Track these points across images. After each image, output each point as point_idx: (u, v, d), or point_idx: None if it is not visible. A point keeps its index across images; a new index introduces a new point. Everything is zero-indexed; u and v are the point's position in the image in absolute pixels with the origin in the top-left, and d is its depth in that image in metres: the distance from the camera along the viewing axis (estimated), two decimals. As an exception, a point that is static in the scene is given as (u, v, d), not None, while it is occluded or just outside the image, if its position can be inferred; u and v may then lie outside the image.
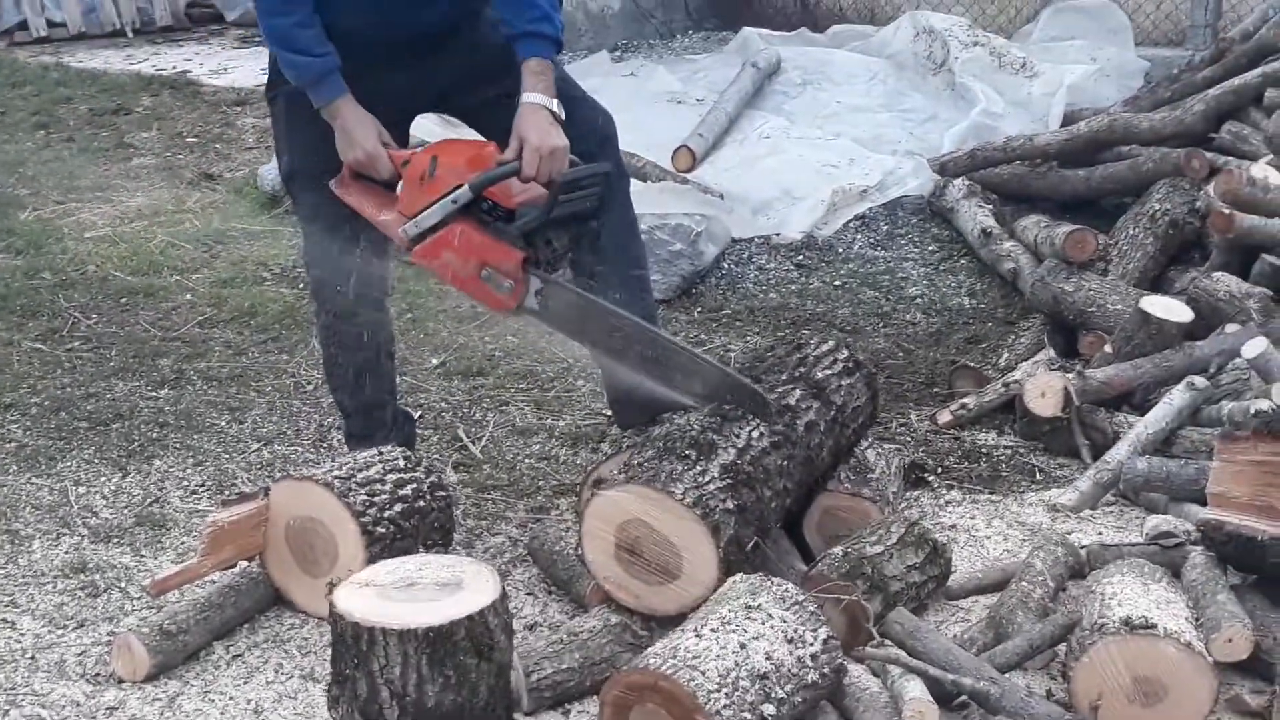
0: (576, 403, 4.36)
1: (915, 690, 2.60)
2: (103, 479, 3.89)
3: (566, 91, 3.34)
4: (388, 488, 3.15)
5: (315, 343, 4.12)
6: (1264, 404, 3.37)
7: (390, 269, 3.62)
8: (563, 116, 3.23)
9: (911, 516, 3.23)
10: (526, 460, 4.00)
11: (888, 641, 2.78)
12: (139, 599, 3.26)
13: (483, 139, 3.53)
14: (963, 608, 3.18)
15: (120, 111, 8.01)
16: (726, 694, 2.39)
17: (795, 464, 3.09)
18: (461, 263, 3.18)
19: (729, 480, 2.88)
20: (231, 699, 2.88)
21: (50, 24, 10.06)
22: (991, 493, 3.76)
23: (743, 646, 2.50)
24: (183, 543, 3.53)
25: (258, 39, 9.60)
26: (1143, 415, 3.76)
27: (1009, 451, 3.99)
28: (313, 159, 3.41)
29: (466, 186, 3.15)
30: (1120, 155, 5.37)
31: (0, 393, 4.41)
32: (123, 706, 2.85)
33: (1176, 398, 3.71)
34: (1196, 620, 2.77)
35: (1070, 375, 3.94)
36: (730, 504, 2.86)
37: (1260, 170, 4.53)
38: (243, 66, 8.95)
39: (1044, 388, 3.89)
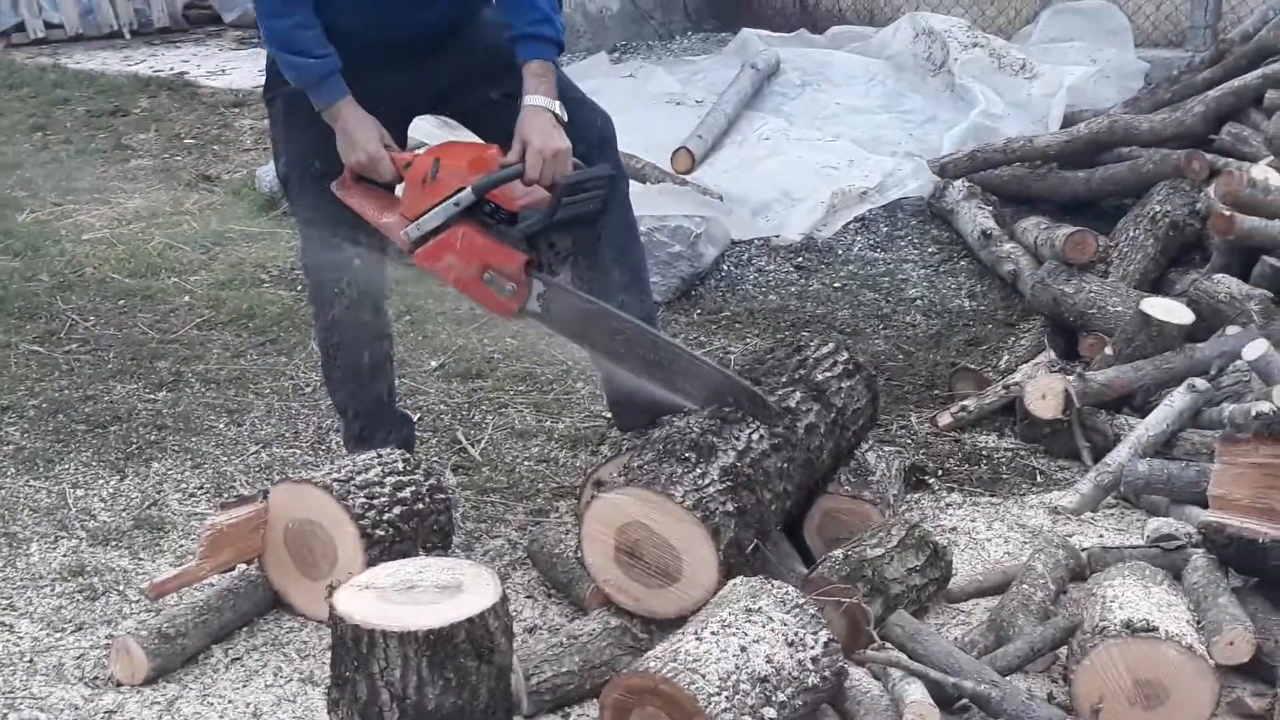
0: (576, 405, 4.35)
1: (916, 693, 2.60)
2: (101, 482, 3.88)
3: (565, 93, 3.34)
4: (387, 490, 3.15)
5: (314, 345, 4.11)
6: (1265, 406, 3.37)
7: (388, 271, 3.62)
8: (565, 119, 3.23)
9: (912, 519, 3.22)
10: (526, 463, 3.99)
11: (888, 644, 2.78)
12: (137, 602, 3.25)
13: (482, 141, 3.54)
14: (963, 610, 3.18)
15: (118, 113, 8.01)
16: (727, 697, 2.39)
17: (795, 466, 3.08)
18: (464, 265, 3.18)
19: (729, 483, 2.87)
20: (230, 702, 2.87)
21: (48, 25, 10.07)
22: (992, 495, 3.76)
23: (743, 649, 2.49)
24: (181, 546, 3.52)
25: (255, 40, 9.61)
26: (1143, 417, 3.76)
27: (1009, 454, 3.98)
28: (311, 161, 3.40)
29: (469, 189, 3.14)
30: (1120, 157, 5.37)
31: (-2, 395, 4.42)
32: (121, 710, 2.84)
33: (1177, 400, 3.70)
34: (1198, 623, 2.76)
35: (1071, 377, 3.93)
36: (730, 506, 2.85)
37: (1261, 172, 4.53)
38: (240, 68, 8.95)
39: (1044, 390, 3.89)
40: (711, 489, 2.85)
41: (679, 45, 8.68)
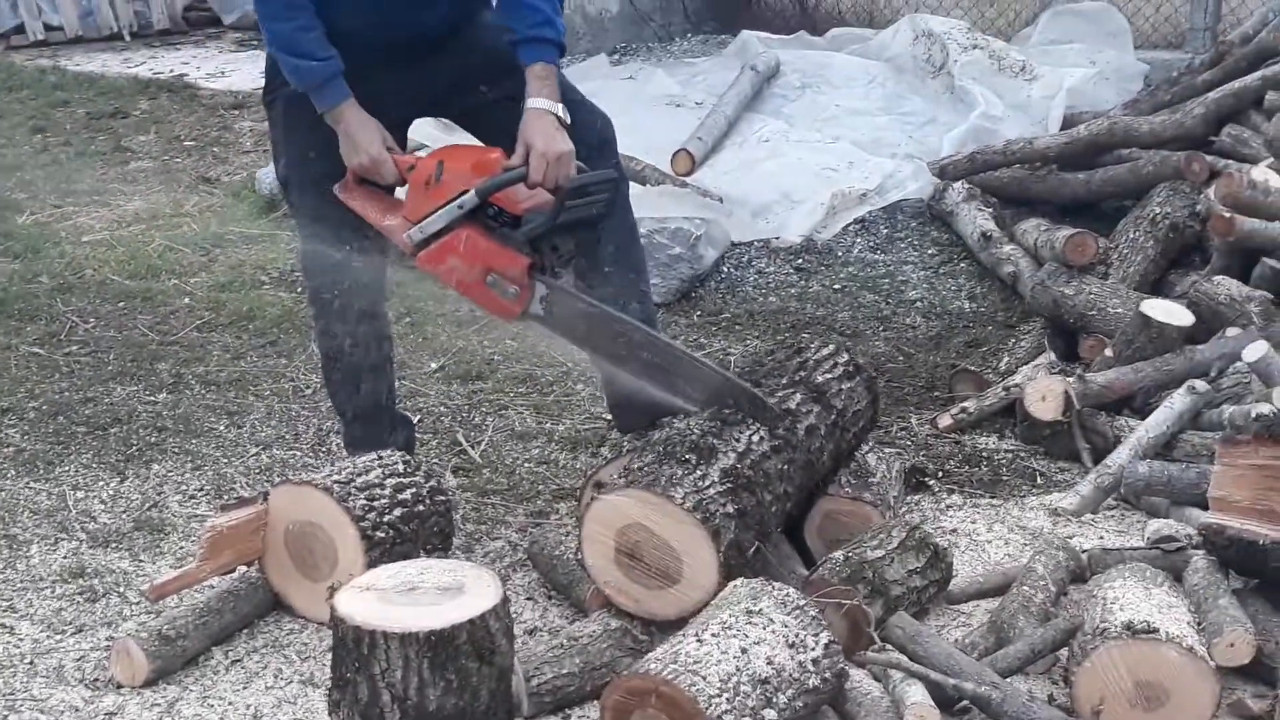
0: (576, 407, 4.35)
1: (917, 695, 2.60)
2: (101, 483, 3.88)
3: (564, 95, 3.33)
4: (387, 492, 3.15)
5: (314, 347, 4.11)
6: (1265, 408, 3.37)
7: (388, 273, 3.62)
8: (568, 121, 3.23)
9: (912, 521, 3.22)
10: (526, 464, 3.99)
11: (889, 646, 2.78)
12: (138, 604, 3.25)
13: (481, 143, 3.54)
14: (964, 612, 3.18)
15: (118, 115, 8.01)
16: (728, 699, 2.39)
17: (796, 468, 3.08)
18: (467, 268, 3.18)
19: (729, 484, 2.87)
20: (230, 704, 2.87)
21: (47, 27, 10.06)
22: (992, 497, 3.76)
23: (744, 651, 2.49)
24: (181, 547, 3.52)
25: (255, 42, 9.62)
26: (1143, 419, 3.76)
27: (1010, 455, 3.99)
28: (310, 163, 3.40)
29: (473, 192, 3.14)
30: (1120, 158, 5.37)
31: (-2, 397, 4.42)
32: (121, 712, 2.84)
33: (1177, 401, 3.70)
34: (1198, 625, 2.76)
35: (1071, 379, 3.93)
36: (730, 508, 2.85)
37: (1261, 173, 4.53)
38: (240, 70, 8.95)
39: (1045, 391, 3.89)
40: (712, 491, 2.84)
41: (679, 47, 8.68)
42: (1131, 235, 4.69)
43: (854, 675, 2.70)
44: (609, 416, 4.06)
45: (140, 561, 3.46)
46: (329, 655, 2.47)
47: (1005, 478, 3.87)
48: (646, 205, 5.21)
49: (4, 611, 3.24)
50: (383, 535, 3.07)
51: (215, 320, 5.06)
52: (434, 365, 4.69)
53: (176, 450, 4.08)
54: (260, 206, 6.28)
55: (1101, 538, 3.47)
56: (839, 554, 3.01)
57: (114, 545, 3.54)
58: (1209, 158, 4.93)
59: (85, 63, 9.38)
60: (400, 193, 3.34)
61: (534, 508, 3.73)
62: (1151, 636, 2.60)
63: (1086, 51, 6.94)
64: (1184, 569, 3.00)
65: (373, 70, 3.27)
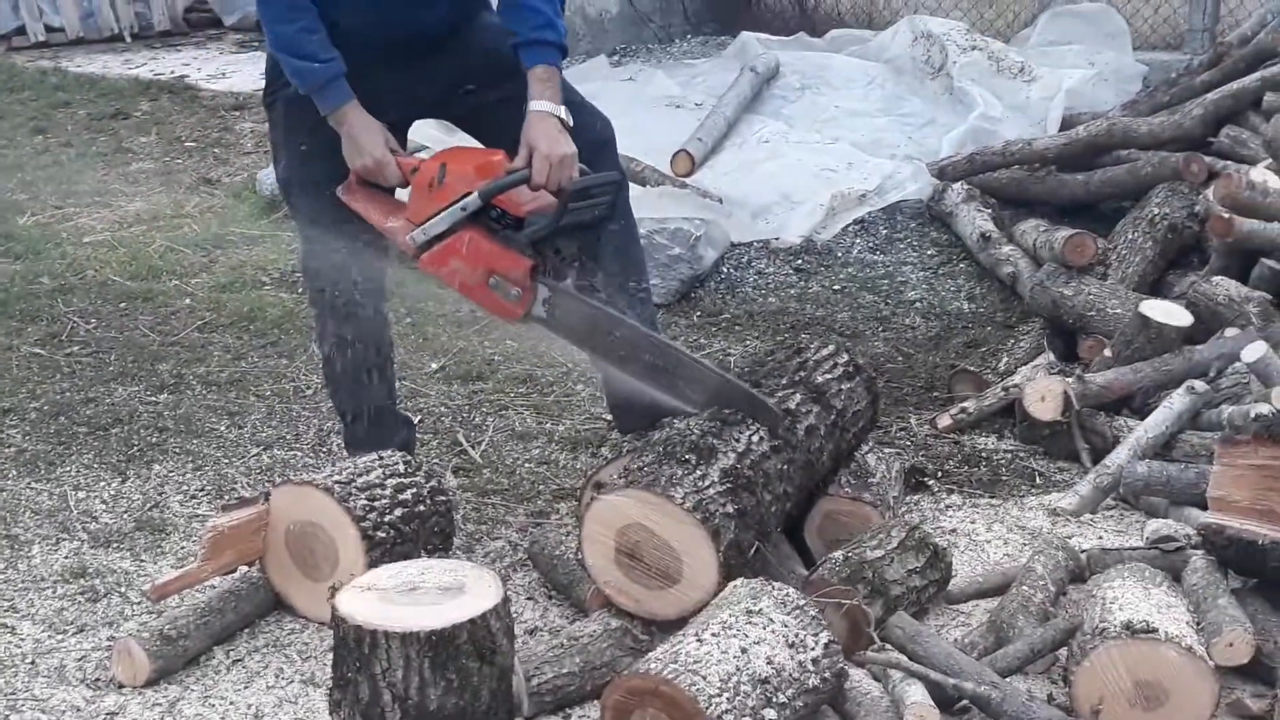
0: (576, 407, 4.36)
1: (916, 694, 2.60)
2: (102, 484, 3.89)
3: (564, 97, 3.34)
4: (388, 492, 3.15)
5: (314, 347, 4.12)
6: (1264, 408, 3.37)
7: (388, 274, 3.62)
8: (571, 123, 3.23)
9: (912, 521, 3.23)
10: (526, 465, 4.00)
11: (888, 646, 2.78)
12: (139, 604, 3.26)
13: (480, 144, 3.54)
14: (963, 612, 3.18)
15: (118, 116, 8.02)
16: (728, 699, 2.39)
17: (795, 468, 3.09)
18: (469, 270, 3.18)
19: (729, 484, 2.88)
20: (232, 704, 2.88)
21: (48, 29, 10.07)
22: (992, 497, 3.76)
23: (744, 651, 2.50)
24: (183, 547, 3.53)
25: (256, 43, 9.63)
26: (1142, 419, 3.76)
27: (1009, 455, 3.99)
28: (310, 164, 3.41)
29: (476, 194, 3.14)
30: (1119, 159, 5.38)
31: (0, 397, 4.41)
32: (123, 711, 2.85)
33: (1176, 402, 3.71)
34: (1197, 624, 2.77)
35: (1070, 379, 3.94)
36: (730, 508, 2.85)
37: (1259, 174, 4.54)
38: (241, 71, 8.95)
39: (1044, 392, 3.90)
40: (711, 491, 2.85)
41: (678, 48, 8.69)
42: (1130, 236, 4.70)
43: (854, 675, 2.71)
44: (609, 417, 4.07)
45: (141, 561, 3.47)
46: (330, 655, 2.48)
47: (1004, 478, 3.87)
48: (646, 206, 5.21)
49: (6, 611, 3.24)
50: (383, 535, 3.08)
51: (216, 321, 5.07)
52: (434, 365, 4.69)
53: (178, 450, 4.08)
54: (261, 207, 6.29)
55: (1101, 538, 3.48)
56: (839, 554, 3.01)
57: (115, 545, 3.54)
58: (1207, 159, 4.94)
59: (86, 64, 9.39)
60: (402, 194, 3.34)
61: (534, 508, 3.74)
62: (1151, 636, 2.60)
63: (1085, 53, 6.95)
64: (1183, 569, 3.01)
65: (373, 70, 3.27)
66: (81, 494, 3.82)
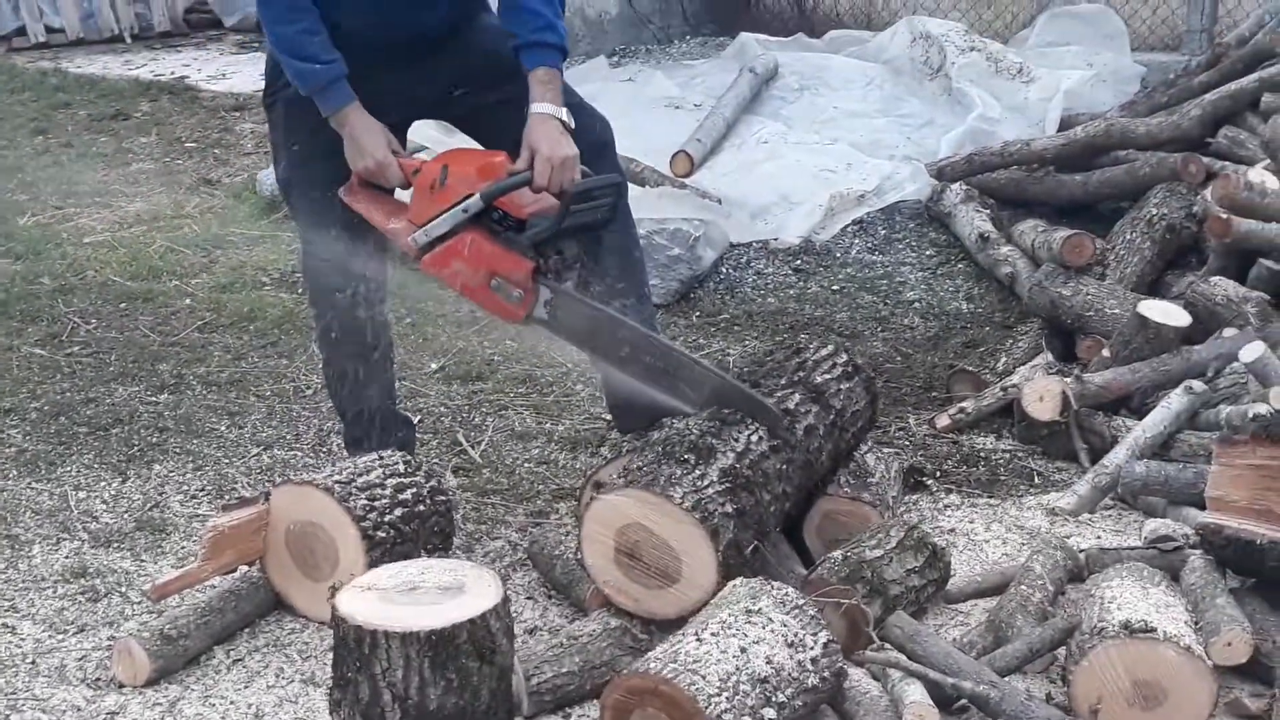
0: (575, 407, 4.36)
1: (915, 694, 2.61)
2: (103, 484, 3.89)
3: (563, 98, 3.34)
4: (388, 492, 3.16)
5: (314, 347, 4.13)
6: (1262, 408, 3.37)
7: (388, 274, 3.63)
8: (572, 125, 3.24)
9: (911, 520, 3.23)
10: (526, 464, 4.01)
11: (887, 645, 2.79)
12: (139, 604, 3.26)
13: (480, 146, 3.55)
14: (962, 611, 3.19)
15: (119, 117, 8.02)
16: (727, 698, 2.40)
17: (794, 468, 3.09)
18: (471, 272, 3.19)
19: (728, 484, 2.88)
20: (232, 703, 2.88)
21: (49, 30, 10.08)
22: (990, 496, 3.77)
23: (743, 650, 2.50)
24: (183, 547, 3.53)
25: (256, 44, 9.64)
26: (1141, 419, 3.77)
27: (1007, 455, 4.00)
28: (311, 165, 3.41)
29: (478, 196, 3.15)
30: (1117, 160, 5.38)
31: (0, 397, 4.41)
32: (123, 711, 2.85)
33: (1174, 402, 3.71)
34: (1196, 624, 2.77)
35: (1068, 379, 3.94)
36: (729, 508, 2.86)
37: (1257, 175, 4.55)
38: (241, 72, 8.96)
39: (1042, 392, 3.90)
40: (710, 490, 2.85)
41: (677, 49, 8.69)
42: (1128, 236, 4.70)
43: (853, 674, 2.71)
44: (608, 417, 4.08)
45: (142, 561, 3.48)
46: (330, 654, 2.48)
47: (1003, 477, 3.88)
48: (645, 207, 5.22)
49: (6, 611, 3.25)
50: (383, 535, 3.08)
51: (216, 321, 5.08)
52: (434, 366, 4.70)
53: (178, 450, 4.09)
54: (261, 208, 6.30)
55: (1099, 537, 3.48)
56: (838, 553, 3.02)
57: (116, 545, 3.55)
58: (1206, 159, 4.94)
59: (86, 65, 9.39)
60: (404, 195, 3.35)
61: (534, 507, 3.74)
62: (1149, 636, 2.61)
63: (1083, 53, 6.96)
64: (1181, 568, 3.01)
65: (374, 71, 3.27)
66: (82, 494, 3.83)
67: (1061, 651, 2.83)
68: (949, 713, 2.68)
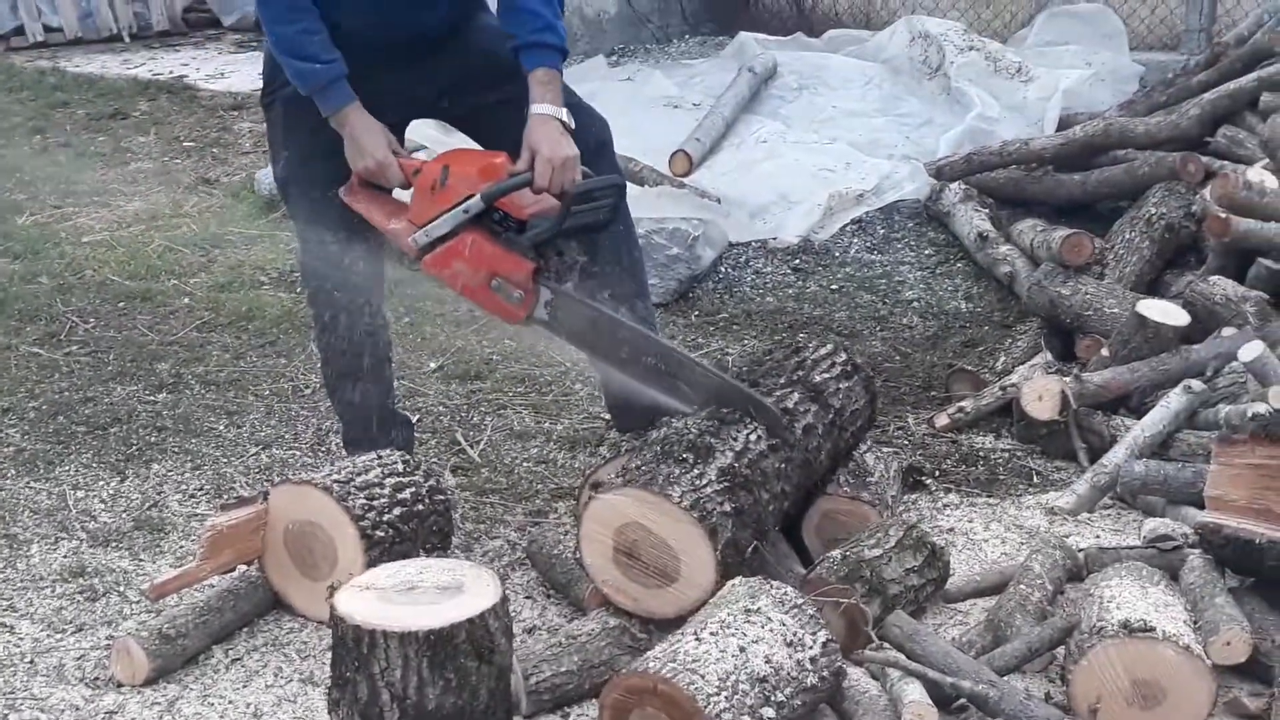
0: (574, 406, 4.36)
1: (914, 693, 2.61)
2: (101, 483, 3.89)
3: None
4: (386, 491, 3.16)
5: (313, 347, 4.12)
6: (1261, 407, 3.38)
7: (387, 273, 3.62)
8: (573, 126, 3.24)
9: (910, 520, 3.24)
10: (525, 464, 4.00)
11: (886, 644, 2.79)
12: (138, 603, 3.26)
13: (480, 146, 3.55)
14: (961, 611, 3.19)
15: (117, 116, 8.02)
16: (726, 697, 2.40)
17: (793, 467, 3.09)
18: (472, 272, 3.19)
19: (726, 483, 2.88)
20: (231, 703, 2.88)
21: (47, 29, 10.07)
22: (989, 496, 3.77)
23: (742, 650, 2.50)
24: (181, 547, 3.53)
25: (254, 44, 9.63)
26: (1140, 418, 3.77)
27: (1006, 455, 4.00)
28: (309, 165, 3.41)
29: (478, 197, 3.15)
30: (1116, 159, 5.39)
31: (-2, 397, 4.43)
32: (122, 710, 2.85)
33: (1173, 401, 3.71)
34: (1195, 623, 2.77)
35: (1067, 378, 3.94)
36: (728, 507, 2.86)
37: (1256, 174, 4.55)
38: (240, 71, 8.95)
39: (1041, 391, 3.90)
40: (709, 489, 2.85)
41: (676, 49, 8.69)
42: (1127, 236, 4.70)
43: (852, 674, 2.71)
44: (607, 416, 4.08)
45: (140, 561, 3.47)
46: (328, 654, 2.48)
47: (1002, 477, 3.88)
48: (644, 206, 5.22)
49: (4, 610, 3.24)
50: (382, 534, 3.08)
51: (215, 320, 5.07)
52: (433, 365, 4.70)
53: (176, 450, 4.09)
54: (259, 207, 6.29)
55: (1098, 536, 3.48)
56: (837, 553, 3.02)
57: (114, 544, 3.55)
58: (1204, 158, 4.94)
59: (85, 64, 9.38)
60: (403, 195, 3.35)
61: (532, 507, 3.74)
62: (1148, 635, 2.61)
63: (1082, 53, 6.96)
64: (1180, 568, 3.01)
65: (374, 71, 3.27)
66: (80, 493, 3.83)
67: (1060, 651, 2.83)
68: (948, 712, 2.68)
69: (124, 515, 3.70)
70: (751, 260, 5.49)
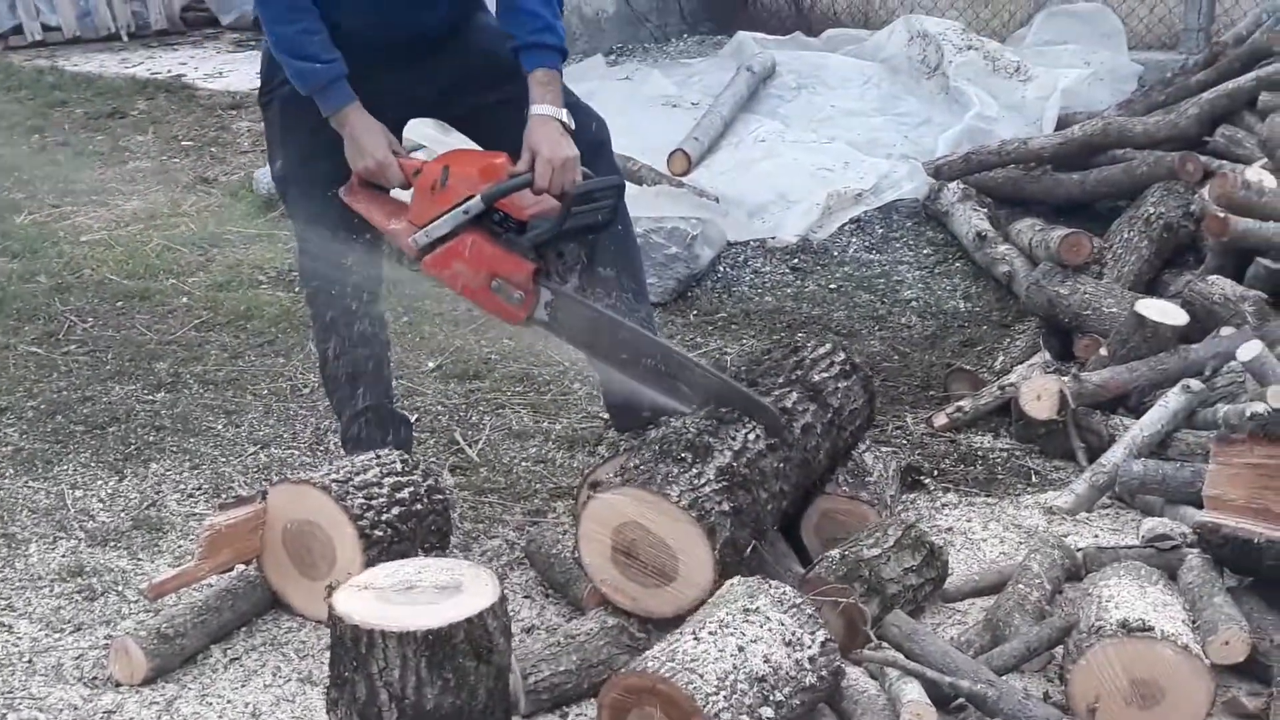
0: (573, 406, 4.36)
1: (913, 693, 2.61)
2: (99, 482, 3.89)
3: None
4: (385, 491, 3.15)
5: (311, 346, 4.12)
6: (1259, 407, 3.38)
7: (385, 273, 3.62)
8: (573, 126, 3.24)
9: (908, 519, 3.24)
10: (523, 463, 4.00)
11: (885, 644, 2.79)
12: (136, 602, 3.26)
13: (478, 145, 3.55)
14: (960, 610, 3.19)
15: (115, 115, 8.01)
16: (725, 697, 2.40)
17: (792, 466, 3.09)
18: (472, 273, 3.19)
19: (725, 482, 2.88)
20: (229, 702, 2.88)
21: (45, 28, 10.05)
22: (988, 495, 3.77)
23: (741, 649, 2.50)
24: (180, 546, 3.53)
25: (253, 42, 9.62)
26: (1138, 418, 3.77)
27: (1005, 454, 4.00)
28: (307, 165, 3.41)
29: (478, 197, 3.15)
30: (1114, 159, 5.38)
31: (-4, 396, 4.42)
32: (120, 710, 2.85)
33: (1172, 400, 3.71)
34: (1193, 623, 2.77)
35: (1066, 378, 3.94)
36: (726, 506, 2.86)
37: (1255, 174, 4.55)
38: (238, 70, 8.94)
39: (1040, 390, 3.90)
40: (707, 489, 2.85)
41: (675, 48, 8.69)
42: (1126, 235, 4.70)
43: (850, 673, 2.71)
44: (606, 415, 4.08)
45: (139, 560, 3.47)
46: (327, 654, 2.48)
47: (1000, 476, 3.88)
48: (643, 205, 5.22)
49: (2, 610, 3.24)
50: (380, 534, 3.08)
51: (213, 319, 5.07)
52: (431, 364, 4.69)
53: (175, 449, 4.08)
54: (258, 206, 6.29)
55: (1096, 536, 3.48)
56: (835, 552, 3.02)
57: (112, 544, 3.55)
58: (1203, 158, 4.94)
59: (83, 63, 9.37)
60: (404, 195, 3.34)
61: (531, 506, 3.74)
62: (1146, 634, 2.61)
63: (1081, 52, 6.96)
64: (1179, 567, 3.01)
65: (374, 71, 3.27)
66: (79, 492, 3.82)
67: (1059, 650, 2.83)
68: (946, 711, 2.68)
69: (122, 514, 3.70)
70: (750, 259, 5.49)
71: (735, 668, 2.45)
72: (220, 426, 4.23)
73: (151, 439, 4.14)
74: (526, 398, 4.44)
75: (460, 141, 3.78)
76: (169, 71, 9.08)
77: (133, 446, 4.09)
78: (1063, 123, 6.07)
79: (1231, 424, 3.38)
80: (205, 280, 5.45)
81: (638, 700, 2.45)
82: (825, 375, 3.30)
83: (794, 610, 2.65)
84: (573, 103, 3.43)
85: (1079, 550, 3.24)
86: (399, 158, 3.29)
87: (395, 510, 3.13)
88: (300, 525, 3.11)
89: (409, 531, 3.15)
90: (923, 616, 3.10)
